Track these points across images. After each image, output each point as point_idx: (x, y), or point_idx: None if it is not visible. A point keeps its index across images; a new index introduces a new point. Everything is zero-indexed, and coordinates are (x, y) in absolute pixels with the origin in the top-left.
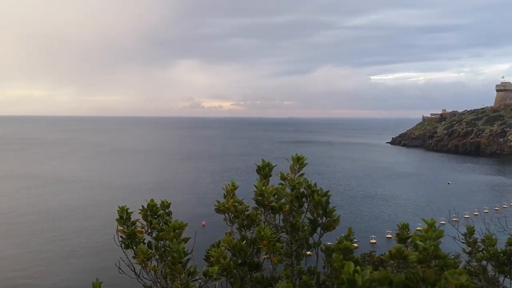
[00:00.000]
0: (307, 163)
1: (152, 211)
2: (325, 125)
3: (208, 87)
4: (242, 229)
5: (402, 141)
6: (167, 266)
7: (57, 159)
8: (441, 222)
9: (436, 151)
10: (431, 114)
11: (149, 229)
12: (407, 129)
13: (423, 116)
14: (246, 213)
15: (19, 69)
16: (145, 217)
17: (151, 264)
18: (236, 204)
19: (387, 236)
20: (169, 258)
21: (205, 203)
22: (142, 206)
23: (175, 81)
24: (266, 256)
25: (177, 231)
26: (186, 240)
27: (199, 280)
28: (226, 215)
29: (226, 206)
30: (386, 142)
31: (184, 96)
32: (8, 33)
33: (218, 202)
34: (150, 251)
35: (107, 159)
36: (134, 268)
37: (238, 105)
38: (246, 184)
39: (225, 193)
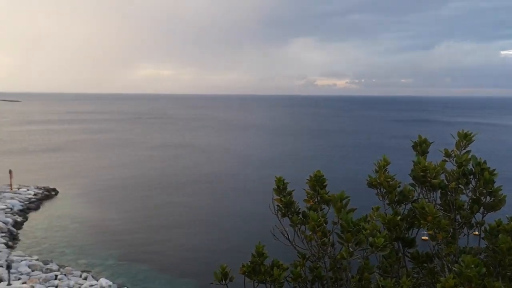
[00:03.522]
0: (474, 140)
1: (319, 181)
2: (446, 104)
3: (322, 65)
4: (393, 204)
5: None
6: (336, 235)
7: (195, 132)
8: None
9: None
10: None
11: (316, 199)
12: None
13: None
14: (398, 189)
15: (149, 51)
16: (312, 187)
17: (306, 232)
18: (389, 179)
19: None
20: (335, 227)
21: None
22: (310, 176)
23: (290, 59)
24: (430, 232)
25: (344, 201)
26: (352, 210)
27: (366, 250)
28: (378, 190)
29: (379, 181)
30: None
31: (298, 74)
32: (139, 19)
33: (370, 177)
34: (320, 218)
35: (237, 133)
36: (288, 236)
37: (352, 83)
38: (366, 160)
39: (377, 169)
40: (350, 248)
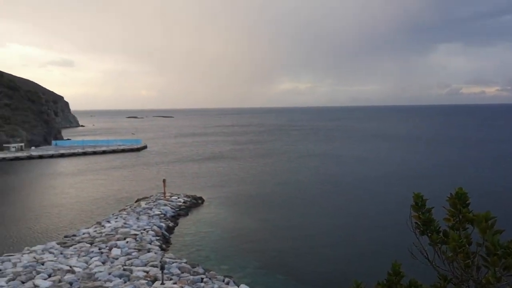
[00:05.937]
0: None
1: (461, 199)
2: None
3: (468, 72)
4: None
5: None
6: (481, 257)
7: (333, 142)
8: None
9: None
10: None
11: (458, 217)
12: None
13: None
14: None
15: (287, 65)
16: (453, 205)
17: (447, 252)
18: None
19: None
20: (480, 248)
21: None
22: (451, 193)
23: (432, 67)
24: None
25: (489, 222)
26: (500, 232)
27: None
28: None
29: None
30: None
31: (439, 82)
32: (277, 34)
33: None
34: (463, 238)
35: (376, 143)
36: (427, 255)
37: (504, 90)
38: None
39: None
40: (497, 273)
